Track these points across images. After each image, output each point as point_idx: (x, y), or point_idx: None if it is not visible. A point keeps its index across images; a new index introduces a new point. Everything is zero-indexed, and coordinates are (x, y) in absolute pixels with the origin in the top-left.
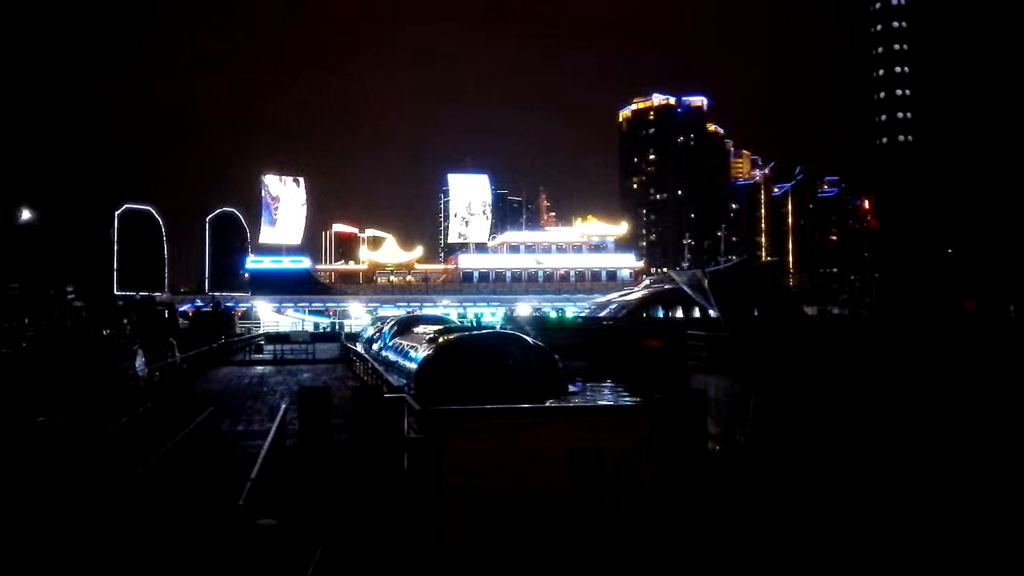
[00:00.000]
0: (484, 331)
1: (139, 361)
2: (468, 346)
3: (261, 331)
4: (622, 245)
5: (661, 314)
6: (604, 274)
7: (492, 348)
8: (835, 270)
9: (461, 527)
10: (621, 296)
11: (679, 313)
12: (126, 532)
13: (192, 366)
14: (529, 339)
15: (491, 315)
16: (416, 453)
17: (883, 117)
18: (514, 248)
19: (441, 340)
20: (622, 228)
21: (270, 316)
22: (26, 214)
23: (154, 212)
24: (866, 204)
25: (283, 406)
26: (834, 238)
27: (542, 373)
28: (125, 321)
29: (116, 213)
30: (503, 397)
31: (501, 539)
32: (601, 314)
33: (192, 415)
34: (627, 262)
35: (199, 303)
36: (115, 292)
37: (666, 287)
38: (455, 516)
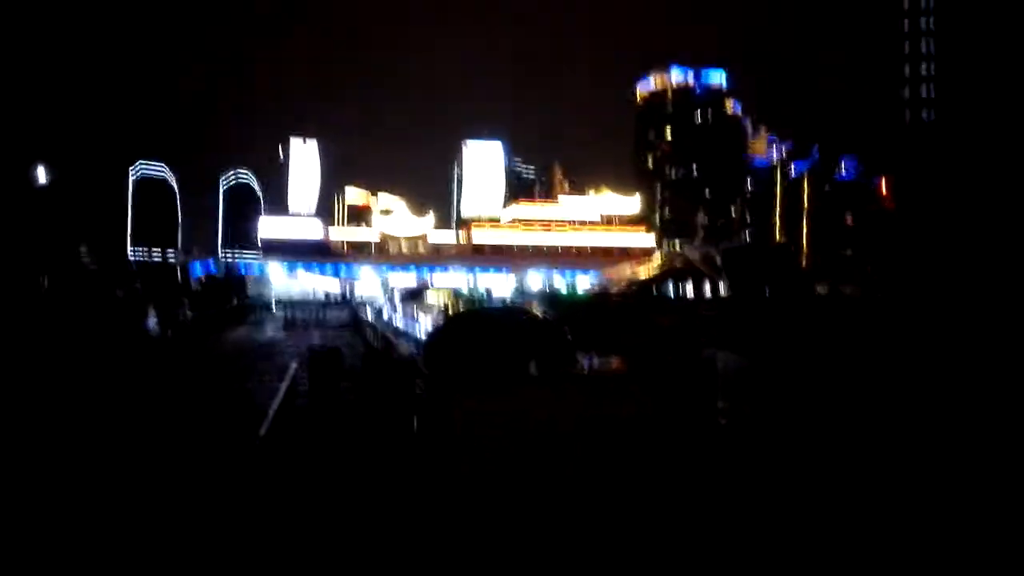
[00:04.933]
0: (493, 305)
1: (151, 320)
2: (478, 317)
3: (272, 295)
4: (635, 220)
5: (672, 291)
6: (616, 249)
7: (502, 320)
8: (849, 252)
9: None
10: (632, 272)
11: (690, 290)
12: (148, 483)
13: (205, 326)
14: (539, 312)
15: (501, 285)
16: (428, 411)
17: (906, 94)
18: (526, 221)
19: (451, 311)
20: (635, 202)
21: (282, 280)
22: (42, 173)
23: (168, 172)
24: (883, 185)
25: (293, 366)
26: (849, 219)
27: (551, 345)
28: (137, 284)
29: (131, 172)
30: (511, 368)
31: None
32: (613, 289)
33: (205, 372)
34: (639, 238)
35: (211, 266)
36: (128, 251)
37: (677, 264)
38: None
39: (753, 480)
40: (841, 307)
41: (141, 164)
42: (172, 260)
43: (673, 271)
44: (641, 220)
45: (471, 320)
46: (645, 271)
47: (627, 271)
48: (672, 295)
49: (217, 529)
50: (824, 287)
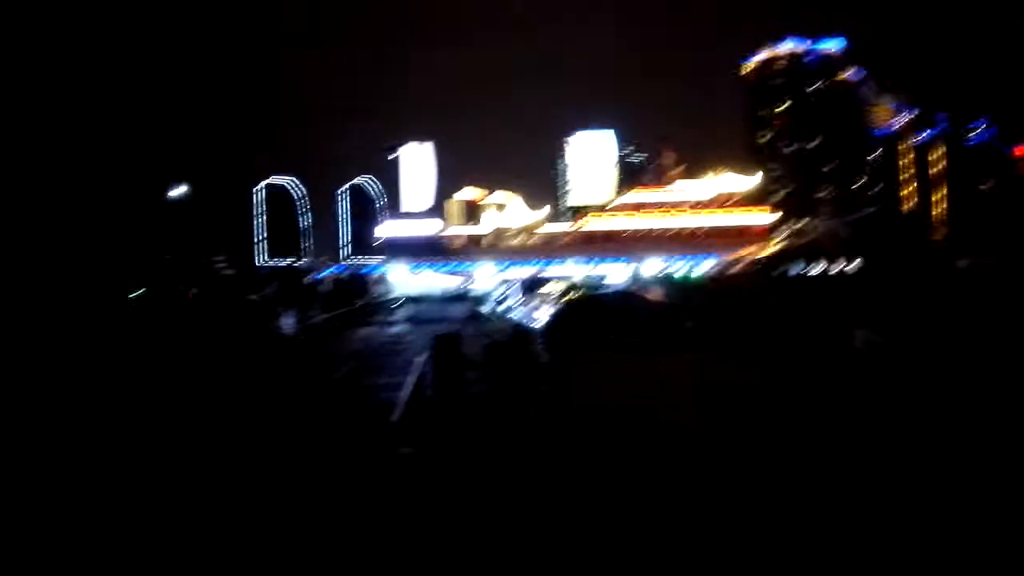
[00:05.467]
0: (609, 291)
1: (286, 321)
2: (593, 303)
3: (395, 294)
4: (754, 199)
5: (792, 269)
6: (735, 231)
7: (616, 305)
8: (984, 222)
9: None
10: (752, 253)
11: (811, 268)
12: (291, 464)
13: (333, 326)
14: (654, 297)
15: (616, 273)
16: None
17: None
18: (639, 207)
19: (568, 299)
20: (753, 181)
21: (403, 280)
22: (177, 190)
23: (292, 183)
24: (1018, 151)
25: (419, 360)
26: (983, 188)
27: (666, 328)
28: (269, 288)
29: (257, 187)
30: (626, 346)
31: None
32: (730, 272)
33: (336, 370)
34: (758, 218)
35: (337, 269)
36: (257, 262)
37: (798, 242)
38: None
39: (882, 460)
40: (984, 280)
41: (269, 177)
42: (298, 266)
43: (795, 249)
44: (760, 199)
45: (587, 306)
46: (765, 251)
47: (746, 252)
48: (795, 273)
49: (360, 507)
50: (966, 260)
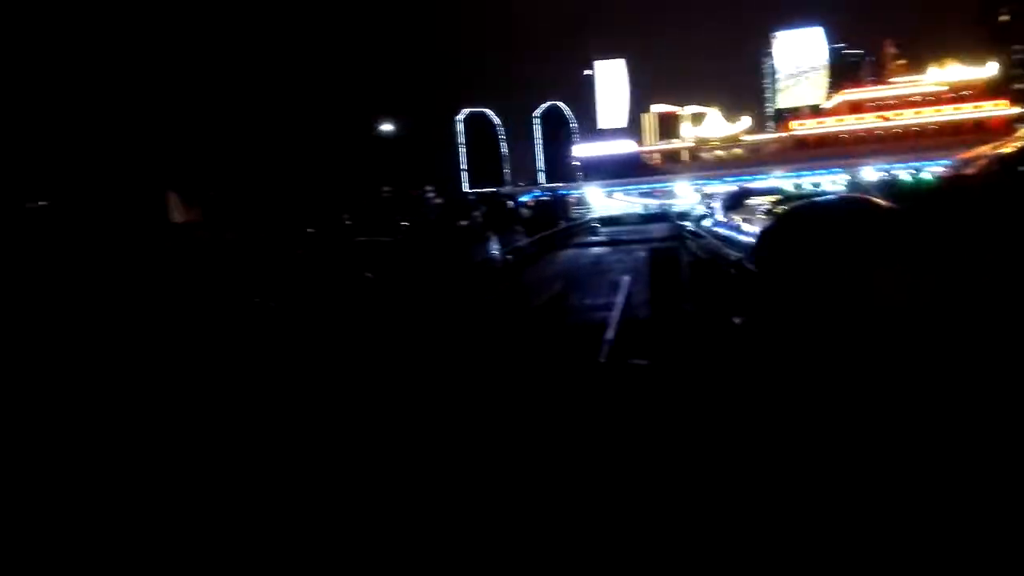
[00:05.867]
0: (829, 197)
1: (494, 246)
2: (812, 214)
3: (595, 215)
4: (989, 91)
5: None
6: (969, 127)
7: (842, 214)
8: None
9: None
10: (994, 148)
11: None
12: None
13: (538, 249)
14: (883, 202)
15: (831, 183)
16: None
17: None
18: (855, 107)
19: (779, 210)
20: (990, 70)
21: (601, 201)
22: (387, 127)
23: (489, 113)
24: None
25: (626, 279)
26: None
27: (902, 240)
28: (476, 213)
29: (458, 119)
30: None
31: None
32: (968, 171)
33: (544, 291)
34: (997, 109)
35: (538, 193)
36: (463, 190)
37: None
38: None
39: None
40: None
41: (468, 107)
42: (501, 191)
43: None
44: (997, 91)
45: (804, 219)
46: (1010, 146)
47: (986, 148)
48: None
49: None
50: None
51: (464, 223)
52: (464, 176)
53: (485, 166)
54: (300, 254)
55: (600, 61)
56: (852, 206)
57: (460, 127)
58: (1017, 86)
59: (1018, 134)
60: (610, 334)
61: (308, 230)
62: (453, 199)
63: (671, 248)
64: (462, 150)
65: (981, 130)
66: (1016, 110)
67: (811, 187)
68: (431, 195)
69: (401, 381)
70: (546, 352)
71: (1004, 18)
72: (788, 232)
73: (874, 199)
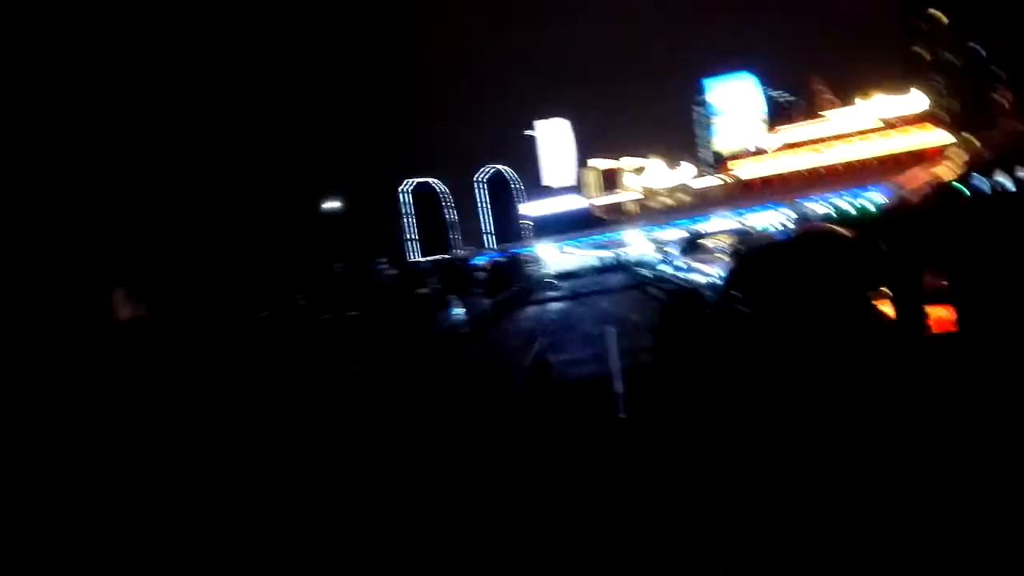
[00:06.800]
0: (789, 233)
1: (456, 310)
2: (776, 249)
3: (550, 271)
4: (918, 119)
5: (984, 186)
6: (903, 156)
7: (809, 249)
8: None
9: None
10: (930, 175)
11: (1004, 182)
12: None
13: (500, 309)
14: (847, 232)
15: (776, 222)
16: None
17: None
18: (794, 145)
19: (744, 249)
20: (916, 100)
21: (555, 257)
22: (332, 203)
23: (434, 181)
24: None
25: (610, 330)
26: None
27: (873, 268)
28: (431, 281)
29: (402, 189)
30: (832, 298)
31: None
32: (910, 198)
33: (518, 350)
34: (930, 137)
35: (492, 255)
36: (413, 259)
37: (984, 155)
38: None
39: None
40: None
41: (410, 178)
42: (452, 257)
43: (983, 161)
44: (925, 119)
45: (770, 253)
46: (945, 172)
47: (922, 175)
48: (989, 190)
49: None
50: None
51: (423, 291)
52: (412, 245)
53: (432, 234)
54: (263, 339)
55: (541, 121)
56: (820, 238)
57: (406, 198)
58: (939, 112)
59: (947, 156)
60: (619, 387)
61: (262, 314)
62: (407, 269)
63: (687, 295)
64: (409, 220)
65: (914, 158)
66: (942, 134)
67: (760, 228)
68: (384, 266)
69: (414, 463)
70: (556, 414)
71: (918, 49)
72: (756, 271)
73: (834, 230)
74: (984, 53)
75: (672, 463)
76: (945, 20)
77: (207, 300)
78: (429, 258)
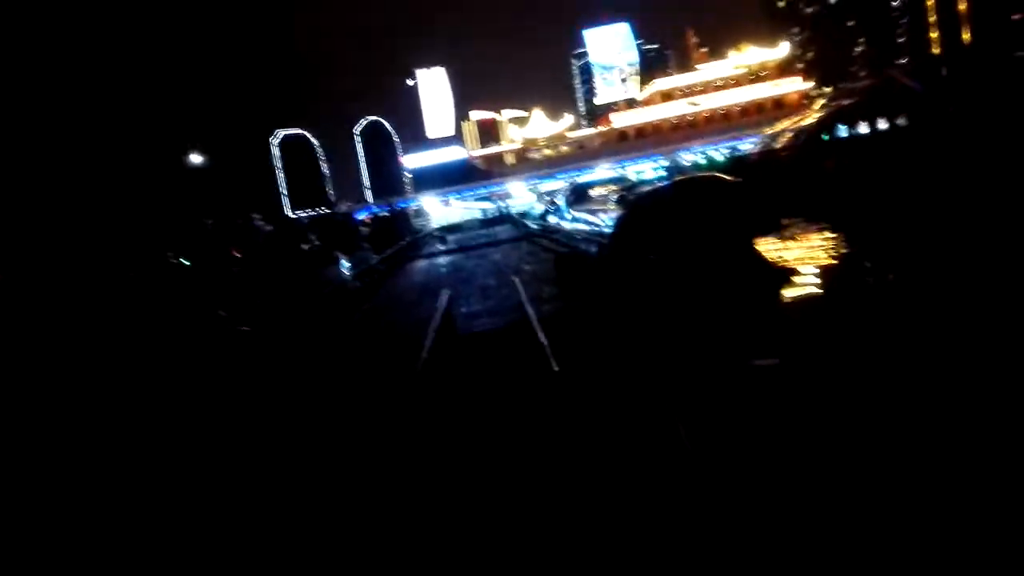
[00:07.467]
0: (676, 179)
1: (344, 266)
2: (666, 197)
3: (435, 225)
4: (784, 68)
5: (845, 132)
6: (770, 105)
7: (692, 195)
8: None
9: None
10: (794, 123)
11: (863, 128)
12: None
13: (389, 265)
14: (727, 178)
15: (653, 171)
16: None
17: None
18: (667, 96)
19: (631, 197)
20: (781, 50)
21: (439, 210)
22: (197, 156)
23: (305, 133)
24: None
25: (516, 280)
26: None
27: (752, 210)
28: (314, 237)
29: (272, 141)
30: (718, 240)
31: None
32: (776, 145)
33: (414, 305)
34: (793, 85)
35: (374, 209)
36: (287, 214)
37: (845, 103)
38: None
39: None
40: None
41: (281, 131)
42: (333, 211)
43: (842, 112)
44: (791, 68)
45: (657, 200)
46: (809, 119)
47: (787, 123)
48: (846, 136)
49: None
50: None
51: (306, 247)
52: (285, 200)
53: (308, 187)
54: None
55: (422, 70)
56: (704, 184)
57: (276, 151)
58: (803, 64)
59: (812, 108)
60: (542, 338)
61: (129, 272)
62: (285, 223)
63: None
64: (280, 174)
65: (780, 106)
66: (808, 85)
67: (646, 174)
68: (259, 222)
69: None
70: (480, 372)
71: (781, 4)
72: (644, 220)
73: (717, 177)
74: (842, 8)
75: (617, 417)
76: None
77: (67, 258)
78: (308, 212)
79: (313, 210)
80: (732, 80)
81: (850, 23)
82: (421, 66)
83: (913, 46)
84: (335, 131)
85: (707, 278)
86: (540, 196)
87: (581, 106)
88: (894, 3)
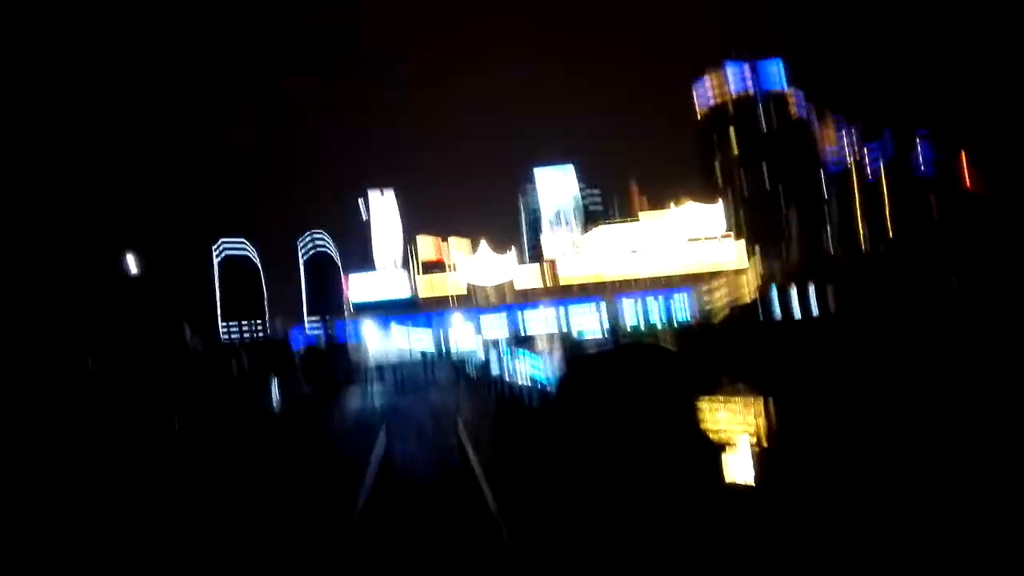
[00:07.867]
0: (620, 344)
1: (276, 394)
2: (604, 362)
3: (372, 361)
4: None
5: (778, 308)
6: (707, 275)
7: (628, 361)
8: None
9: None
10: (730, 293)
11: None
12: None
13: (321, 398)
14: (662, 346)
15: (591, 319)
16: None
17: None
18: (610, 242)
19: (572, 356)
20: (719, 210)
21: (376, 341)
22: (132, 264)
23: (248, 248)
24: (963, 161)
25: (460, 423)
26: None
27: (683, 379)
28: (242, 361)
29: (214, 255)
30: (648, 403)
31: None
32: (716, 316)
33: (357, 446)
34: (727, 250)
35: (311, 337)
36: (220, 328)
37: (776, 280)
38: None
39: None
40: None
41: (223, 243)
42: (262, 334)
43: (777, 280)
44: (726, 235)
45: (598, 363)
46: (744, 290)
47: (723, 292)
48: (779, 314)
49: None
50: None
51: (235, 369)
52: (219, 315)
53: (244, 303)
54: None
55: (373, 192)
56: (643, 351)
57: (215, 263)
58: (738, 220)
59: (749, 276)
60: (492, 504)
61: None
62: (216, 342)
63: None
64: (218, 293)
65: (714, 275)
66: (741, 243)
67: (584, 331)
68: (191, 337)
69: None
70: (421, 534)
71: (718, 178)
72: (584, 381)
73: (655, 346)
74: (773, 181)
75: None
76: (736, 151)
77: None
78: (244, 330)
79: (248, 322)
80: (673, 236)
81: (785, 198)
82: (371, 184)
83: (841, 230)
84: (276, 240)
85: (647, 449)
86: (482, 340)
87: (526, 240)
88: (825, 188)
